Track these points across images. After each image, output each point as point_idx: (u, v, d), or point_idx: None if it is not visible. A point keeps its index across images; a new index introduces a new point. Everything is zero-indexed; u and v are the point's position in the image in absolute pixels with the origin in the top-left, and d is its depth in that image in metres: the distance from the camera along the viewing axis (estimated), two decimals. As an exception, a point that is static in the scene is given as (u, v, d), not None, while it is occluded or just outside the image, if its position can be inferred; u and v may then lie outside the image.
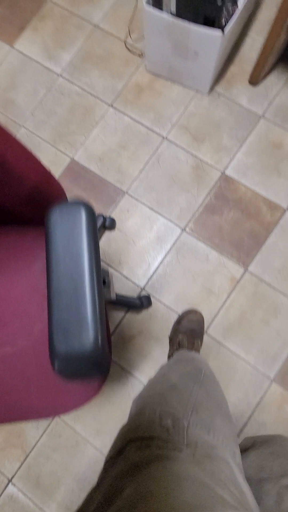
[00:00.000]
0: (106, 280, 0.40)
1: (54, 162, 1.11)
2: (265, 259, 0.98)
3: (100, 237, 1.04)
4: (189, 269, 1.00)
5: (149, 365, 0.95)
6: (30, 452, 0.93)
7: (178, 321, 0.93)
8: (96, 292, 0.28)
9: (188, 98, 1.09)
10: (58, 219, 0.30)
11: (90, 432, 0.93)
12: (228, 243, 1.00)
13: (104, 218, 0.99)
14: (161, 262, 1.01)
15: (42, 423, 0.93)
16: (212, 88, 1.08)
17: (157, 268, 1.01)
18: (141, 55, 1.14)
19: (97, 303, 0.28)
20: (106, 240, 1.04)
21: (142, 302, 0.95)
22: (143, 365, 0.95)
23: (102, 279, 0.38)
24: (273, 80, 1.07)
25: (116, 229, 1.04)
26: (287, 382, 0.92)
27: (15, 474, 0.93)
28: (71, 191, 1.08)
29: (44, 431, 0.93)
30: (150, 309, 0.98)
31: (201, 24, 0.81)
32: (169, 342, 0.93)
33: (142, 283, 1.00)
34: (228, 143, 1.06)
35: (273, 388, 0.91)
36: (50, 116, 1.14)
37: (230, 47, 1.07)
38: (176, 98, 1.10)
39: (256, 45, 1.10)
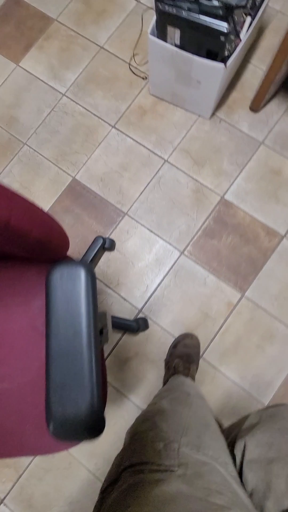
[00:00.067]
0: (104, 331, 0.41)
1: (56, 181, 1.12)
2: (262, 285, 0.99)
3: (100, 258, 1.04)
4: (186, 292, 1.01)
5: (145, 388, 0.96)
6: (23, 473, 0.93)
7: (174, 345, 0.94)
8: (93, 356, 0.29)
9: (190, 122, 1.11)
10: (58, 280, 0.31)
11: (83, 454, 0.93)
12: (226, 268, 1.01)
13: (104, 240, 1.00)
14: (159, 285, 1.02)
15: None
16: (213, 113, 1.10)
17: (155, 290, 1.02)
18: (145, 77, 1.15)
19: (94, 367, 0.29)
20: (105, 260, 1.05)
21: (139, 325, 0.95)
22: (138, 388, 0.96)
23: (99, 337, 0.38)
24: (274, 108, 1.09)
25: (115, 250, 1.05)
26: (281, 408, 0.92)
27: (7, 495, 0.92)
28: (72, 210, 1.09)
29: (38, 452, 0.93)
30: (147, 331, 0.99)
31: (204, 56, 0.82)
32: (165, 366, 0.94)
33: (139, 305, 1.01)
34: (228, 168, 1.07)
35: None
36: (53, 135, 1.15)
37: (232, 74, 1.08)
38: (178, 122, 1.12)
39: (258, 72, 1.12)
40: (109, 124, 1.14)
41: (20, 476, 0.93)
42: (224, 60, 0.84)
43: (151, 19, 0.86)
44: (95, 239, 0.99)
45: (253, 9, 0.93)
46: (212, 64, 0.83)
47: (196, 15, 0.74)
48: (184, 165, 1.09)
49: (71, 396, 0.28)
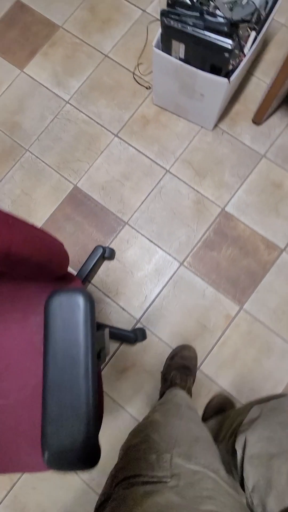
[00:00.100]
0: (102, 353, 0.41)
1: (57, 188, 1.12)
2: (261, 298, 0.99)
3: (99, 267, 1.05)
4: (185, 303, 1.01)
5: (141, 399, 0.96)
6: (17, 481, 0.93)
7: (171, 357, 0.94)
8: (91, 386, 0.29)
9: (192, 133, 1.11)
10: (57, 309, 0.31)
11: (78, 463, 0.93)
12: (225, 280, 1.01)
13: (104, 250, 1.00)
14: (157, 295, 1.02)
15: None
16: (216, 125, 1.10)
17: (154, 300, 1.02)
18: (148, 87, 1.16)
19: (91, 398, 0.29)
20: (105, 269, 1.05)
21: (137, 336, 0.95)
22: (134, 398, 0.96)
23: (98, 361, 0.38)
24: (276, 121, 1.09)
25: (115, 259, 1.05)
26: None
27: (0, 503, 0.92)
28: (73, 218, 1.10)
29: (32, 460, 0.93)
30: (145, 342, 0.99)
31: (208, 71, 0.83)
32: (162, 378, 0.94)
33: (138, 315, 1.01)
34: (229, 180, 1.08)
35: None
36: (56, 142, 1.15)
37: (236, 87, 1.09)
38: (181, 132, 1.12)
39: (261, 85, 1.13)
40: (112, 133, 1.14)
41: (14, 485, 0.93)
42: (228, 74, 0.85)
43: (156, 30, 0.86)
44: (95, 248, 1.00)
45: (258, 24, 0.93)
46: (215, 78, 0.83)
47: (201, 31, 0.74)
48: (185, 176, 1.09)
49: (67, 428, 0.28)
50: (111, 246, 1.06)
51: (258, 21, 0.95)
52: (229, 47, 0.73)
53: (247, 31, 0.95)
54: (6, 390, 0.52)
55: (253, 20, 0.96)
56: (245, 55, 0.85)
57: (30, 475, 0.93)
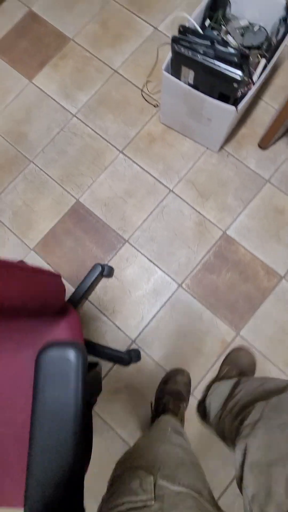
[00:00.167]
0: (93, 400, 0.41)
1: (60, 202, 1.12)
2: (258, 325, 0.99)
3: (97, 284, 1.04)
4: (181, 326, 1.00)
5: (132, 422, 0.95)
6: None
7: (165, 381, 0.93)
8: (79, 450, 0.28)
9: (198, 154, 1.11)
10: (48, 366, 0.30)
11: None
12: (223, 305, 1.01)
13: (102, 268, 0.99)
14: (154, 316, 1.01)
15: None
16: (222, 147, 1.10)
17: (150, 321, 1.01)
18: (156, 105, 1.16)
19: (78, 462, 0.28)
20: (103, 286, 1.04)
21: (131, 357, 0.95)
22: (125, 421, 0.95)
23: (89, 413, 0.38)
24: (282, 147, 1.09)
25: (113, 276, 1.05)
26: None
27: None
28: (74, 233, 1.09)
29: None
30: (139, 363, 0.98)
31: (216, 97, 0.83)
32: (155, 401, 0.93)
33: (133, 335, 1.00)
34: (232, 203, 1.07)
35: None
36: (61, 155, 1.15)
37: (243, 111, 1.09)
38: (186, 152, 1.12)
39: (269, 109, 1.12)
40: (117, 149, 1.14)
41: None
42: (235, 102, 0.84)
43: (167, 49, 0.86)
44: (93, 266, 0.99)
45: (268, 52, 0.93)
46: (223, 106, 0.83)
47: (211, 60, 0.74)
48: (188, 197, 1.08)
49: (51, 492, 0.28)
50: (110, 263, 1.06)
51: (268, 48, 0.95)
52: (238, 78, 0.73)
53: (257, 57, 0.95)
54: (-5, 423, 0.51)
55: (264, 47, 0.96)
56: (254, 83, 0.85)
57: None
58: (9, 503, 0.52)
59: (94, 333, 1.01)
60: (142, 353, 0.98)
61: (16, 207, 1.12)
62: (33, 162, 1.15)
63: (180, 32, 0.77)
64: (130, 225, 1.08)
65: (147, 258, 1.05)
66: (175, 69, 0.84)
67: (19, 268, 0.36)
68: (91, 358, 0.96)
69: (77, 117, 1.18)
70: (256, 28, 0.98)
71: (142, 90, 1.18)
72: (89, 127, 1.17)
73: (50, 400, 0.30)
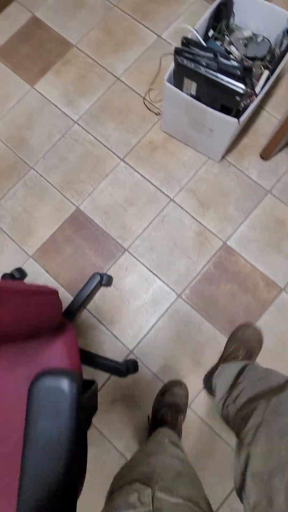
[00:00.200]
0: (87, 426, 0.40)
1: (60, 209, 1.11)
2: (257, 338, 0.98)
3: (95, 293, 1.03)
4: (180, 337, 0.99)
5: (129, 434, 0.94)
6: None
7: (162, 393, 0.92)
8: (71, 481, 0.28)
9: (199, 163, 1.10)
10: (41, 395, 0.29)
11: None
12: (222, 316, 1.00)
13: (101, 277, 0.98)
14: (153, 326, 1.01)
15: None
16: (223, 157, 1.09)
17: (149, 331, 1.00)
18: (158, 113, 1.15)
19: (70, 494, 0.28)
20: (101, 295, 1.04)
21: (128, 368, 0.94)
22: (122, 432, 0.94)
23: (84, 440, 0.37)
24: (284, 157, 1.08)
25: (112, 285, 1.04)
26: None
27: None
28: (73, 240, 1.08)
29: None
30: (136, 374, 0.97)
31: (218, 109, 0.82)
32: (152, 413, 0.92)
33: (131, 345, 0.99)
34: (233, 214, 1.06)
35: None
36: (61, 161, 1.15)
37: (245, 122, 1.08)
38: (188, 161, 1.11)
39: (271, 119, 1.12)
40: (118, 157, 1.13)
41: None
42: (238, 114, 0.84)
43: (170, 59, 0.85)
44: (92, 275, 0.98)
45: (272, 63, 0.92)
46: (225, 118, 0.82)
47: (214, 73, 0.73)
48: (189, 206, 1.08)
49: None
50: (109, 272, 1.05)
51: (272, 59, 0.94)
52: (241, 91, 0.73)
53: (260, 69, 0.94)
54: (-13, 441, 0.51)
55: (267, 58, 0.96)
56: (256, 95, 0.85)
57: None
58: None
59: (91, 342, 1.00)
60: (139, 363, 0.98)
61: (16, 213, 1.12)
62: (33, 169, 1.15)
63: (183, 44, 0.76)
64: (130, 233, 1.07)
65: (147, 268, 1.04)
66: (177, 80, 0.84)
67: (12, 292, 0.35)
68: (88, 372, 0.95)
69: (78, 124, 1.17)
70: (259, 39, 0.97)
71: (144, 98, 1.17)
72: (90, 134, 1.16)
73: (43, 431, 0.29)
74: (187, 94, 0.84)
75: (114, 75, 1.20)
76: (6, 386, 0.52)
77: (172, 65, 0.85)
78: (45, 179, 1.14)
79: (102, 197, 1.11)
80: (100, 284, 1.00)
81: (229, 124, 0.84)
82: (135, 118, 1.16)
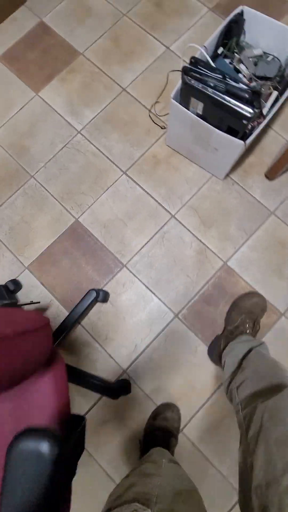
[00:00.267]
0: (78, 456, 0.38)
1: (59, 220, 1.09)
2: (254, 363, 0.95)
3: (91, 309, 1.01)
4: (175, 359, 0.97)
5: (119, 457, 0.91)
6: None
7: (154, 416, 0.90)
8: None
9: (203, 180, 1.08)
10: (18, 458, 0.27)
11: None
12: (219, 339, 0.97)
13: (97, 293, 0.96)
14: (148, 346, 0.98)
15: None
16: (228, 175, 1.07)
17: (143, 351, 0.98)
18: (163, 127, 1.13)
19: None
20: (97, 311, 1.01)
21: (121, 389, 0.91)
22: (112, 454, 0.91)
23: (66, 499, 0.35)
24: (290, 178, 1.06)
25: (108, 302, 1.02)
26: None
27: None
28: (71, 253, 1.06)
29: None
30: (128, 395, 0.95)
31: (224, 130, 0.80)
32: (143, 436, 0.90)
33: (125, 365, 0.97)
34: (235, 233, 1.04)
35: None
36: (62, 171, 1.12)
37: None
38: (191, 178, 1.09)
39: (279, 139, 1.10)
40: (121, 170, 1.11)
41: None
42: (244, 136, 0.82)
43: (177, 73, 0.83)
44: (88, 292, 0.96)
45: (281, 84, 0.90)
46: (231, 139, 0.80)
47: (222, 95, 0.71)
48: (190, 224, 1.06)
49: None
50: (106, 287, 1.03)
51: (281, 80, 0.92)
52: (249, 115, 0.71)
53: (269, 89, 0.92)
54: None
55: (277, 78, 0.94)
56: (264, 117, 0.83)
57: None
58: None
59: (84, 359, 0.98)
60: (132, 384, 0.95)
61: (14, 222, 1.09)
62: (34, 178, 1.12)
63: (191, 63, 0.74)
64: (129, 249, 1.05)
65: (144, 285, 1.02)
66: (184, 98, 0.82)
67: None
68: (79, 390, 0.93)
69: (81, 134, 1.15)
70: (269, 58, 0.95)
71: (150, 111, 1.15)
72: (93, 145, 1.14)
73: (18, 498, 0.27)
74: (194, 113, 0.82)
75: (120, 86, 1.18)
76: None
77: (179, 83, 0.83)
78: (45, 189, 1.11)
79: (102, 210, 1.09)
80: (96, 300, 0.98)
81: (235, 145, 0.82)
82: (140, 130, 1.14)
